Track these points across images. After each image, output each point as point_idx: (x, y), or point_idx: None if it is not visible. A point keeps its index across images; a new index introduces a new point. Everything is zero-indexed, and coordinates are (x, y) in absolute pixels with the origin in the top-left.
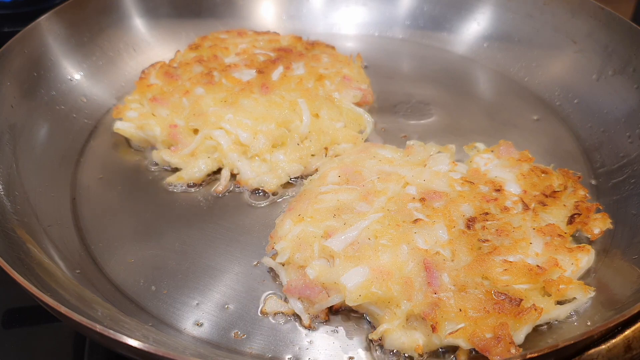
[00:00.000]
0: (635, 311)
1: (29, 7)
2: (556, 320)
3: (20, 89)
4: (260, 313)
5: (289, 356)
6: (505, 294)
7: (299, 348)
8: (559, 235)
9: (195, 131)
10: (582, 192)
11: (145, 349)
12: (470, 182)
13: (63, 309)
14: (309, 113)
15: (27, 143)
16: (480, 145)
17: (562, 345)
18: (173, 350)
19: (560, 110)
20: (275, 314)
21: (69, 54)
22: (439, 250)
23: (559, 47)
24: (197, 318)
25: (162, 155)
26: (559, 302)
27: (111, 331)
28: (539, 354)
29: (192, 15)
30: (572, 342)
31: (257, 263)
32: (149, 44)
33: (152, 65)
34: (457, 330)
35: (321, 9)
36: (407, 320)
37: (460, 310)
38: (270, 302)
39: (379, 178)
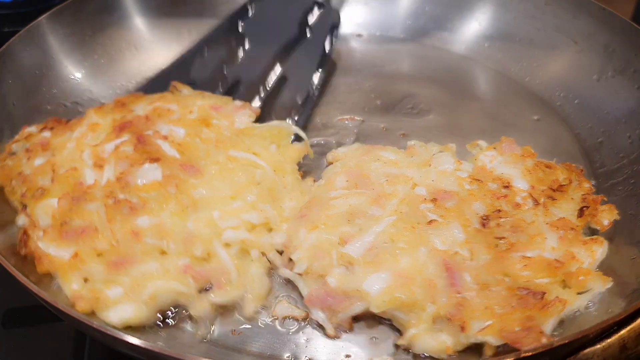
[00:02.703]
0: (631, 311)
1: (29, 7)
2: (577, 311)
3: (22, 87)
4: (270, 316)
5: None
6: (528, 289)
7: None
8: (572, 229)
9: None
10: (587, 185)
11: (145, 347)
12: (479, 180)
13: (61, 306)
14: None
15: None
16: (483, 143)
17: (557, 345)
18: (172, 348)
19: (561, 111)
20: (284, 317)
21: (71, 53)
22: (457, 250)
23: (560, 47)
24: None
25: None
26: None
27: (114, 330)
28: (534, 353)
29: (193, 15)
30: (567, 341)
31: (271, 270)
32: (151, 43)
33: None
34: (485, 328)
35: None
36: (433, 322)
37: (486, 308)
38: (281, 307)
39: (387, 181)
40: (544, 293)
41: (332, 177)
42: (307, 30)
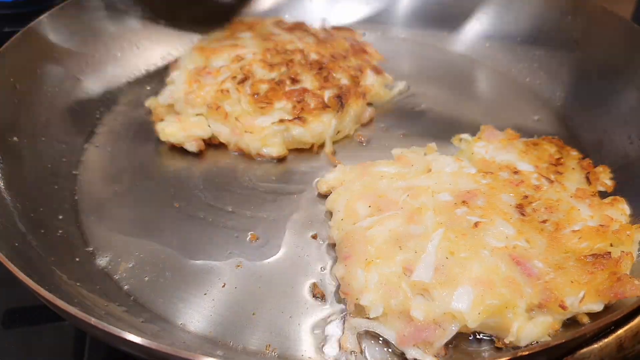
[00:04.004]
0: (628, 311)
1: (29, 7)
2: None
3: (24, 86)
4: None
5: None
6: (594, 255)
7: None
8: (592, 195)
9: None
10: (574, 153)
11: (146, 345)
12: (490, 172)
13: (60, 303)
14: None
15: (29, 139)
16: (466, 136)
17: (554, 344)
18: (172, 346)
19: (561, 111)
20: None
21: (72, 52)
22: (515, 243)
23: (560, 47)
24: (198, 314)
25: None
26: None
27: (112, 327)
28: (530, 352)
29: (194, 14)
30: (564, 340)
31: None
32: (152, 42)
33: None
34: (583, 299)
35: (323, 8)
36: (528, 313)
37: (572, 282)
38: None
39: (408, 195)
40: (609, 252)
41: (349, 206)
42: None
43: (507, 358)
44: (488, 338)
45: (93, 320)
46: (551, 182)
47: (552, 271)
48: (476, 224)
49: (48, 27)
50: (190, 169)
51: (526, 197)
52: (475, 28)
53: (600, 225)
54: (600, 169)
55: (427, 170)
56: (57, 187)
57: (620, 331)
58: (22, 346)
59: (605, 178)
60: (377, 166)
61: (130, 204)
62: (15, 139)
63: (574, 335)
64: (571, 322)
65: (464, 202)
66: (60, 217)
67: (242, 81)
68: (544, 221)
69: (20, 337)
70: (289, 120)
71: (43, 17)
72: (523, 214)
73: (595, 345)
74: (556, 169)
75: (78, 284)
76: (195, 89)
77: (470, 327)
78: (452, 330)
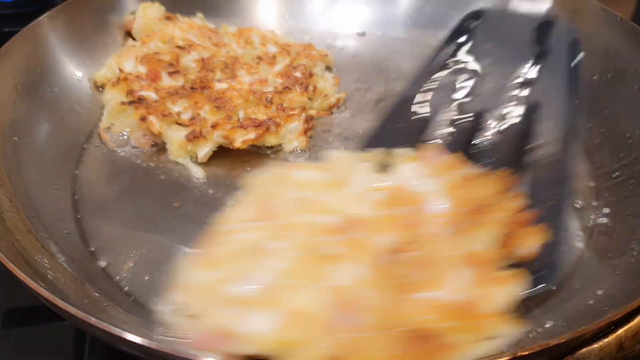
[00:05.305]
0: (628, 310)
1: (29, 7)
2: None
3: (23, 85)
4: None
5: None
6: (424, 332)
7: None
8: (486, 264)
9: None
10: (517, 201)
11: (146, 345)
12: (395, 202)
13: (60, 303)
14: None
15: (29, 139)
16: (404, 152)
17: (553, 344)
18: (173, 346)
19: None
20: None
21: (72, 51)
22: (357, 288)
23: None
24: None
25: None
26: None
27: (112, 327)
28: (530, 352)
29: (194, 14)
30: (563, 340)
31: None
32: None
33: None
34: None
35: (323, 8)
36: None
37: (379, 349)
38: None
39: (294, 209)
40: (440, 337)
41: (235, 208)
42: (542, 51)
43: (507, 358)
44: None
45: (93, 320)
46: (455, 233)
47: (373, 330)
48: (333, 256)
49: (48, 27)
50: (190, 168)
51: (411, 243)
52: None
53: (459, 302)
54: (534, 230)
55: (343, 183)
56: (57, 187)
57: (620, 331)
58: (22, 346)
59: (528, 244)
60: (296, 170)
61: (131, 203)
62: (15, 139)
63: (573, 335)
64: None
65: (343, 229)
66: (61, 217)
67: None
68: (406, 276)
69: (20, 337)
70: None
71: (43, 17)
72: (390, 261)
73: (595, 345)
74: (475, 217)
75: (78, 284)
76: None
77: (261, 353)
78: (246, 347)
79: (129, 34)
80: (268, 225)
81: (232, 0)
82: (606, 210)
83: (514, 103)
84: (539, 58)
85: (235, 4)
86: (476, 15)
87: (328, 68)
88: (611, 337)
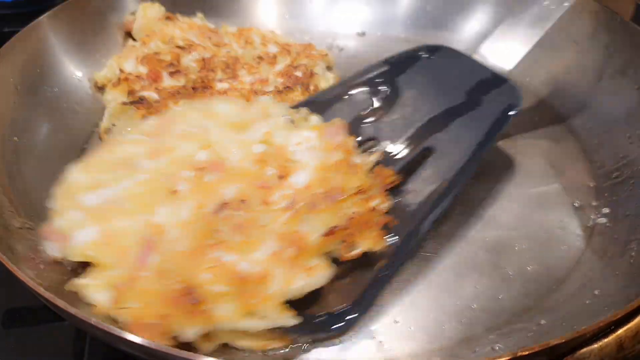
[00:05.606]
0: (628, 310)
1: (29, 7)
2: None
3: (23, 85)
4: None
5: None
6: (194, 291)
7: None
8: (303, 248)
9: None
10: (378, 201)
11: (146, 345)
12: (263, 160)
13: (60, 303)
14: None
15: (29, 139)
16: (313, 119)
17: (553, 344)
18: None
19: (561, 111)
20: None
21: (72, 51)
22: (170, 229)
23: (560, 47)
24: None
25: None
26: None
27: (112, 327)
28: (530, 352)
29: (194, 14)
30: (563, 340)
31: None
32: None
33: None
34: (126, 307)
35: (323, 8)
36: (107, 285)
37: (145, 292)
38: None
39: (183, 136)
40: (202, 299)
41: (144, 122)
42: (474, 102)
43: (507, 358)
44: None
45: (93, 320)
46: (289, 208)
47: (154, 273)
48: (174, 192)
49: (48, 27)
50: None
51: (243, 201)
52: (475, 28)
53: (250, 273)
54: (373, 234)
55: (246, 126)
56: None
57: (620, 331)
58: (22, 346)
59: (362, 246)
60: (223, 102)
61: None
62: (15, 139)
63: (573, 335)
64: None
65: (201, 168)
66: None
67: None
68: (218, 232)
69: (20, 337)
70: None
71: (43, 17)
72: (215, 212)
73: (595, 345)
74: (324, 202)
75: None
76: None
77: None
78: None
79: (129, 34)
80: (150, 143)
81: (232, 0)
82: (606, 210)
83: (406, 141)
84: (462, 108)
85: (235, 4)
86: (433, 49)
87: (329, 68)
88: (611, 337)
